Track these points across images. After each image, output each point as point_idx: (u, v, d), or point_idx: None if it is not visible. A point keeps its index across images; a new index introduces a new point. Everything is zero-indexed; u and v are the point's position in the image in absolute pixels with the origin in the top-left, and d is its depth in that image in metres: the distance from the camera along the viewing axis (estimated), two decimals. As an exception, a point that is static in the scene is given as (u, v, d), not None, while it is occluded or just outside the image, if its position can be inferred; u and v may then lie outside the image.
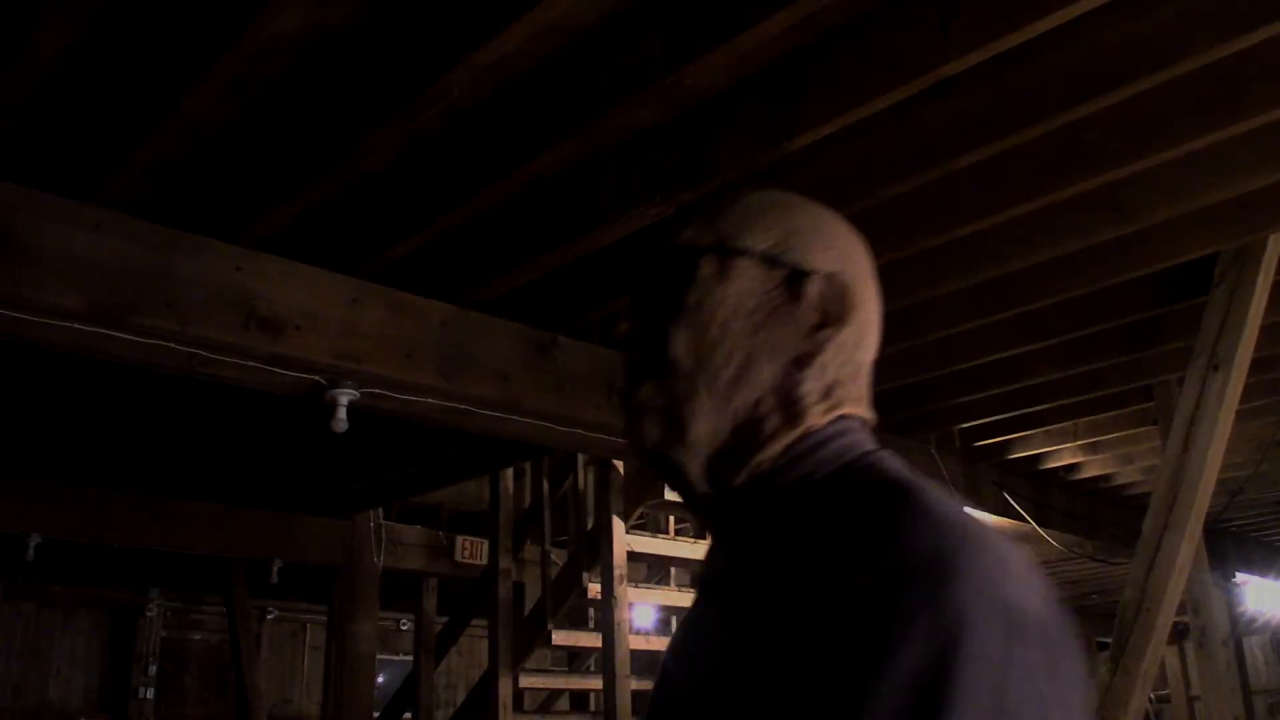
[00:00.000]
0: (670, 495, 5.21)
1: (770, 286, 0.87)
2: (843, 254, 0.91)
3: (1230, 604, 7.07)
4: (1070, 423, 5.28)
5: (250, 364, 3.05)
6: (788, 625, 0.73)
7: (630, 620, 5.62)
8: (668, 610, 6.69)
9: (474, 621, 7.21)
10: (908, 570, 0.67)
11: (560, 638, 6.06)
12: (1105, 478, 6.32)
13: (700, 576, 0.92)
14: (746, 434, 0.84)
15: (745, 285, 0.87)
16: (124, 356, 2.95)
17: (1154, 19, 2.23)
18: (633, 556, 5.66)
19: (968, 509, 0.79)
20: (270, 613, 10.22)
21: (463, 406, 3.46)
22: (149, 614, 9.76)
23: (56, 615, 9.45)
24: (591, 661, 7.03)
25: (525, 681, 6.07)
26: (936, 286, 3.41)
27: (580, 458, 5.89)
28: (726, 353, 0.85)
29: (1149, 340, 4.08)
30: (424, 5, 2.17)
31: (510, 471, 6.31)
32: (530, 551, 6.66)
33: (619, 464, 5.52)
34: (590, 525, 5.84)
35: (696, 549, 6.07)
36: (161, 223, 2.84)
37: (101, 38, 2.24)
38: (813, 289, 0.87)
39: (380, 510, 6.65)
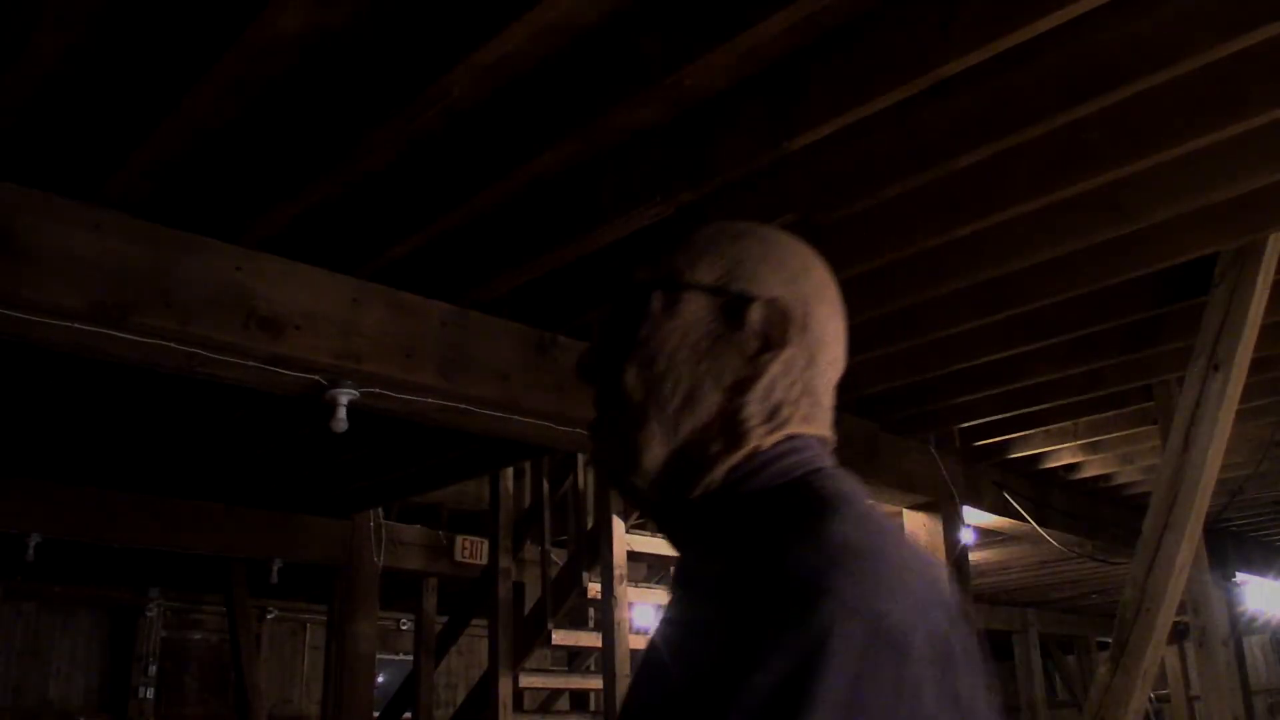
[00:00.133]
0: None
1: (714, 316, 0.91)
2: (790, 278, 0.93)
3: (1230, 604, 7.07)
4: (1070, 422, 5.29)
5: (250, 364, 3.05)
6: (697, 633, 0.80)
7: (630, 620, 5.62)
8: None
9: (474, 621, 7.21)
10: (785, 587, 0.71)
11: (560, 638, 6.07)
12: (1105, 477, 6.32)
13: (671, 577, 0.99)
14: (694, 457, 0.88)
15: (691, 317, 0.91)
16: (124, 356, 2.95)
17: (1154, 19, 2.23)
18: (633, 556, 5.66)
19: (883, 526, 0.81)
20: (270, 612, 10.22)
21: (463, 406, 3.46)
22: (149, 614, 9.76)
23: (56, 615, 9.45)
24: (591, 661, 7.03)
25: (525, 681, 6.08)
26: (936, 286, 3.41)
27: (580, 457, 5.90)
28: (673, 383, 0.89)
29: (1149, 340, 4.07)
30: (424, 5, 2.17)
31: (510, 471, 6.31)
32: (530, 551, 6.66)
33: (619, 464, 5.50)
34: (590, 525, 5.84)
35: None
36: (161, 223, 2.84)
37: (101, 38, 2.24)
38: (754, 315, 0.90)
39: (380, 510, 6.65)
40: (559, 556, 6.18)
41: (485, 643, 6.29)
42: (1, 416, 4.74)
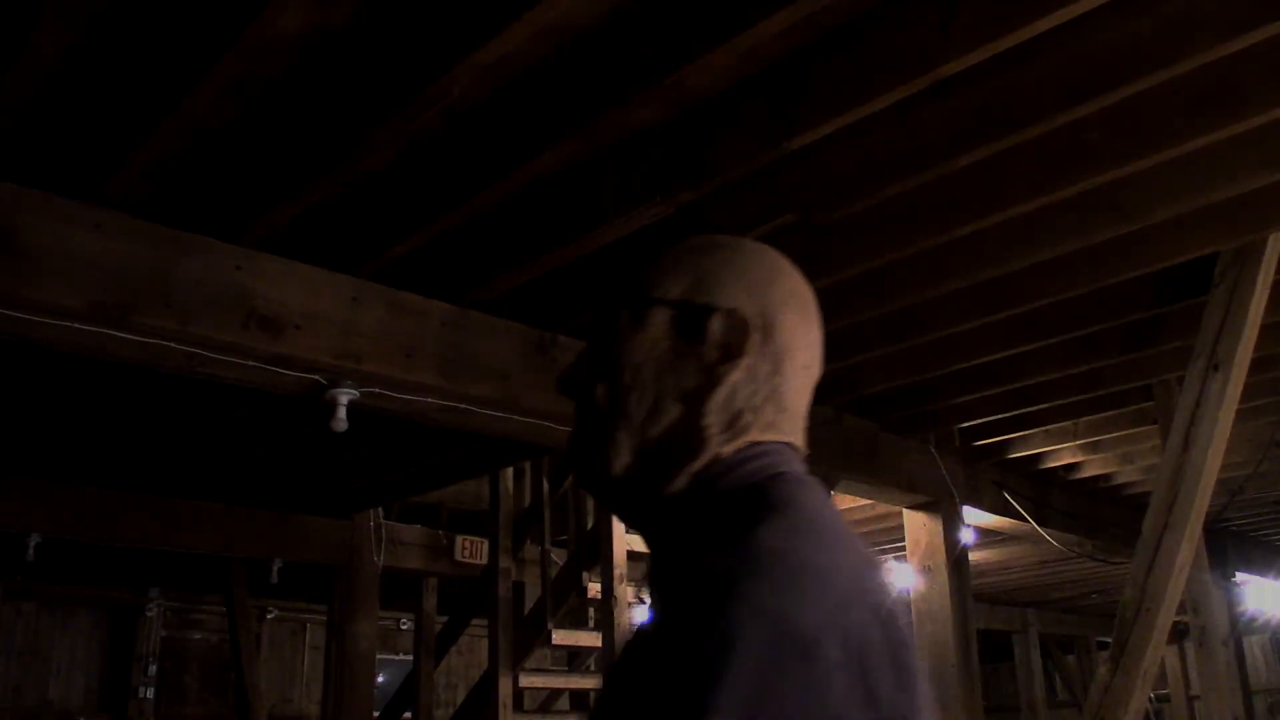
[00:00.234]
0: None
1: (677, 330, 0.94)
2: (754, 287, 0.95)
3: (1230, 603, 7.07)
4: (1070, 422, 5.29)
5: (250, 364, 3.05)
6: (643, 634, 0.85)
7: (630, 620, 5.62)
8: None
9: (474, 621, 7.22)
10: (699, 591, 0.75)
11: (560, 637, 6.07)
12: (1105, 477, 6.32)
13: None
14: (658, 466, 0.92)
15: (656, 332, 0.94)
16: (124, 356, 2.95)
17: (1154, 19, 2.23)
18: (633, 556, 5.66)
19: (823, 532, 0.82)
20: (270, 612, 10.23)
21: (463, 406, 3.46)
22: (149, 614, 9.76)
23: (56, 615, 9.45)
24: (591, 661, 7.03)
25: (525, 681, 6.08)
26: (936, 286, 3.41)
27: (580, 457, 5.88)
28: (638, 396, 0.93)
29: (1149, 340, 4.08)
30: (424, 5, 2.17)
31: (510, 471, 6.31)
32: (530, 551, 6.67)
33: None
34: (590, 525, 5.85)
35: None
36: (161, 222, 2.84)
37: (101, 38, 2.24)
38: (714, 326, 0.93)
39: (380, 510, 6.65)
40: (559, 556, 6.18)
41: (485, 643, 6.29)
42: (1, 416, 4.74)
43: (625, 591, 5.47)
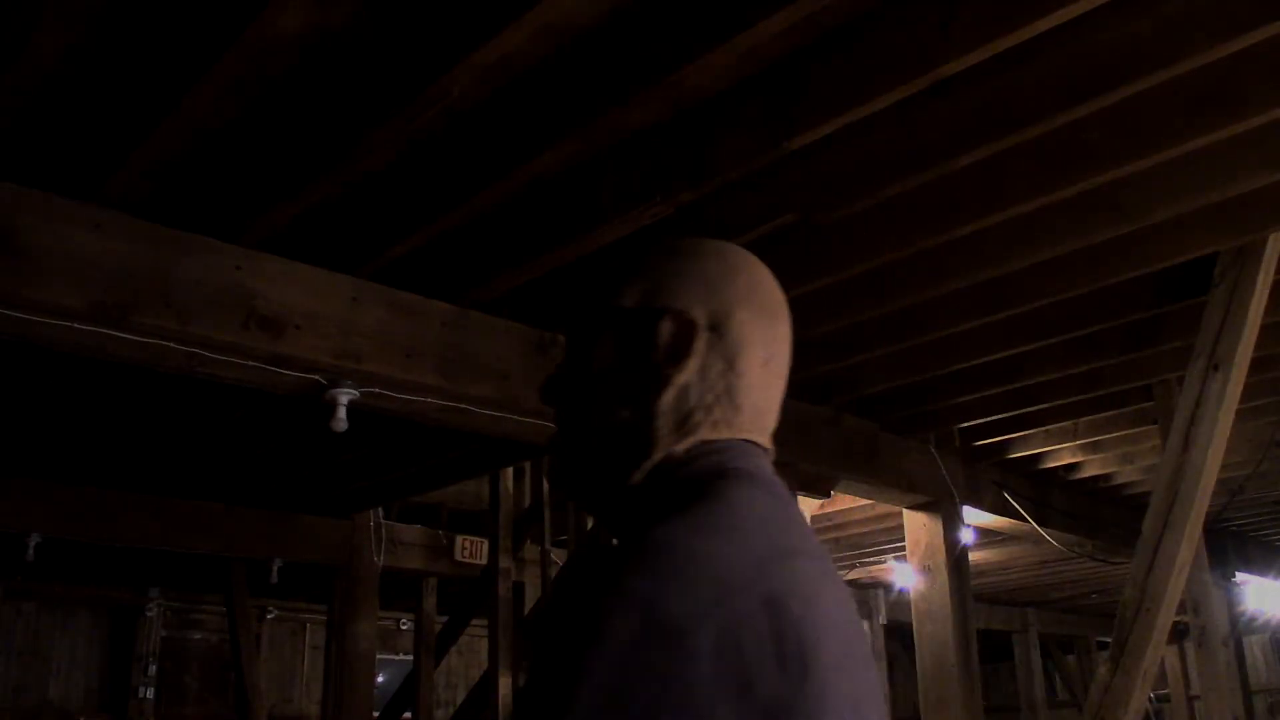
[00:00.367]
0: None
1: (631, 335, 0.97)
2: (705, 288, 0.97)
3: (1230, 603, 7.08)
4: (1070, 422, 5.29)
5: (250, 363, 3.05)
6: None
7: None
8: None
9: (474, 621, 7.21)
10: (587, 583, 0.78)
11: (560, 637, 6.05)
12: (1105, 477, 6.32)
13: None
14: (617, 466, 0.95)
15: (615, 339, 0.98)
16: (124, 356, 2.95)
17: (1154, 19, 2.23)
18: (632, 556, 5.65)
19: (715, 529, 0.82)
20: (270, 612, 10.23)
21: (462, 406, 3.46)
22: (149, 614, 9.76)
23: (56, 615, 9.45)
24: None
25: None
26: (936, 286, 3.41)
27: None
28: (598, 402, 0.97)
29: (1149, 340, 4.08)
30: (424, 5, 2.17)
31: (510, 471, 6.31)
32: (530, 551, 6.66)
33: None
34: (590, 525, 5.84)
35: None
36: (162, 222, 2.84)
37: (101, 38, 2.24)
38: (663, 329, 0.95)
39: (380, 510, 6.65)
40: (559, 556, 6.18)
41: (485, 642, 6.29)
42: (1, 416, 4.74)
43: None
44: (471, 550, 7.05)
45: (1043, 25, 2.10)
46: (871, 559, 8.81)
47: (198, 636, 10.19)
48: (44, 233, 2.65)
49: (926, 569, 5.09)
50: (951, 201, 2.92)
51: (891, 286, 3.45)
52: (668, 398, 0.93)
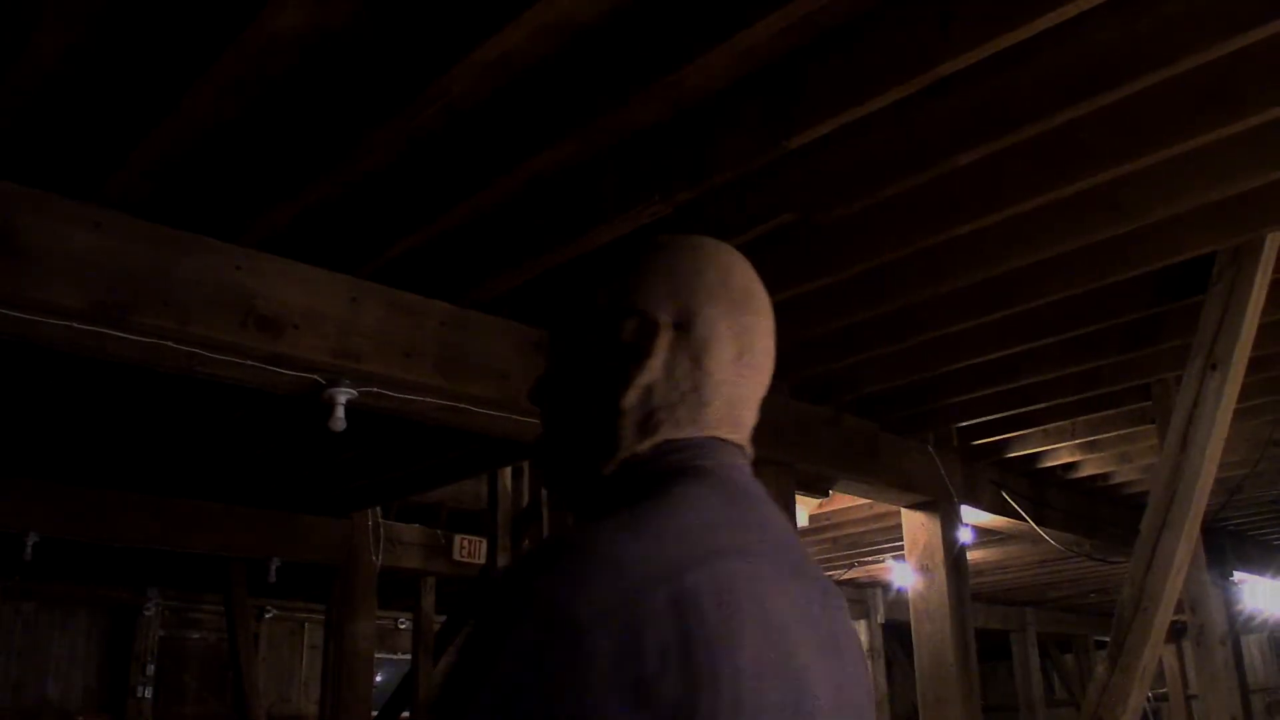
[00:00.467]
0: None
1: (601, 337, 0.98)
2: (671, 286, 0.97)
3: (1228, 603, 7.08)
4: (1068, 421, 5.29)
5: (249, 363, 3.05)
6: None
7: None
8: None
9: (472, 620, 7.20)
10: (497, 582, 0.80)
11: (559, 636, 6.06)
12: (1103, 476, 6.33)
13: None
14: (588, 466, 0.96)
15: (587, 341, 0.99)
16: (124, 356, 2.95)
17: (1152, 18, 2.23)
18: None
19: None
20: (268, 612, 10.23)
21: (462, 405, 3.46)
22: (147, 613, 9.76)
23: (55, 614, 9.45)
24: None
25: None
26: (936, 286, 3.42)
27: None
28: (571, 402, 0.98)
29: (1147, 339, 4.08)
30: (424, 5, 2.18)
31: (509, 470, 6.31)
32: (529, 550, 6.66)
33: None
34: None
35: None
36: (161, 222, 2.84)
37: (101, 38, 2.24)
38: (627, 329, 0.96)
39: (379, 509, 6.65)
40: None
41: (484, 642, 6.27)
42: (1, 416, 4.74)
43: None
44: (470, 550, 7.05)
45: (1042, 24, 2.10)
46: (870, 558, 8.82)
47: (196, 636, 10.19)
48: (44, 233, 2.65)
49: (925, 568, 5.09)
50: (950, 201, 2.92)
51: (891, 286, 3.45)
52: (631, 397, 0.93)
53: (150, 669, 9.70)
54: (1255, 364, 3.82)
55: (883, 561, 8.79)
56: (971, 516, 5.34)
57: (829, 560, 8.84)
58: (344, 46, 2.27)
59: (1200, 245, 3.28)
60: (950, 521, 5.10)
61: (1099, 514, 6.45)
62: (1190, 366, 3.61)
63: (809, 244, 3.21)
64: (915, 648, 5.08)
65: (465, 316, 3.40)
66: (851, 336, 3.93)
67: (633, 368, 0.94)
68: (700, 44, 2.18)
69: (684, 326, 0.95)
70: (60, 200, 2.69)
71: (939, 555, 5.03)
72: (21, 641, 9.19)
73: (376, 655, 6.87)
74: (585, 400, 0.97)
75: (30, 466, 5.47)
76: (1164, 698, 12.34)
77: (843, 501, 6.58)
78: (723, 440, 0.95)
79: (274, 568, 6.65)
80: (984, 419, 5.01)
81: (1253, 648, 12.97)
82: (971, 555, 5.62)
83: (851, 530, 7.79)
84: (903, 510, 5.26)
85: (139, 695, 9.56)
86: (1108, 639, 3.66)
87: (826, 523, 7.56)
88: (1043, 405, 4.80)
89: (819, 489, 4.87)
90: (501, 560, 6.01)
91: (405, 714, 7.16)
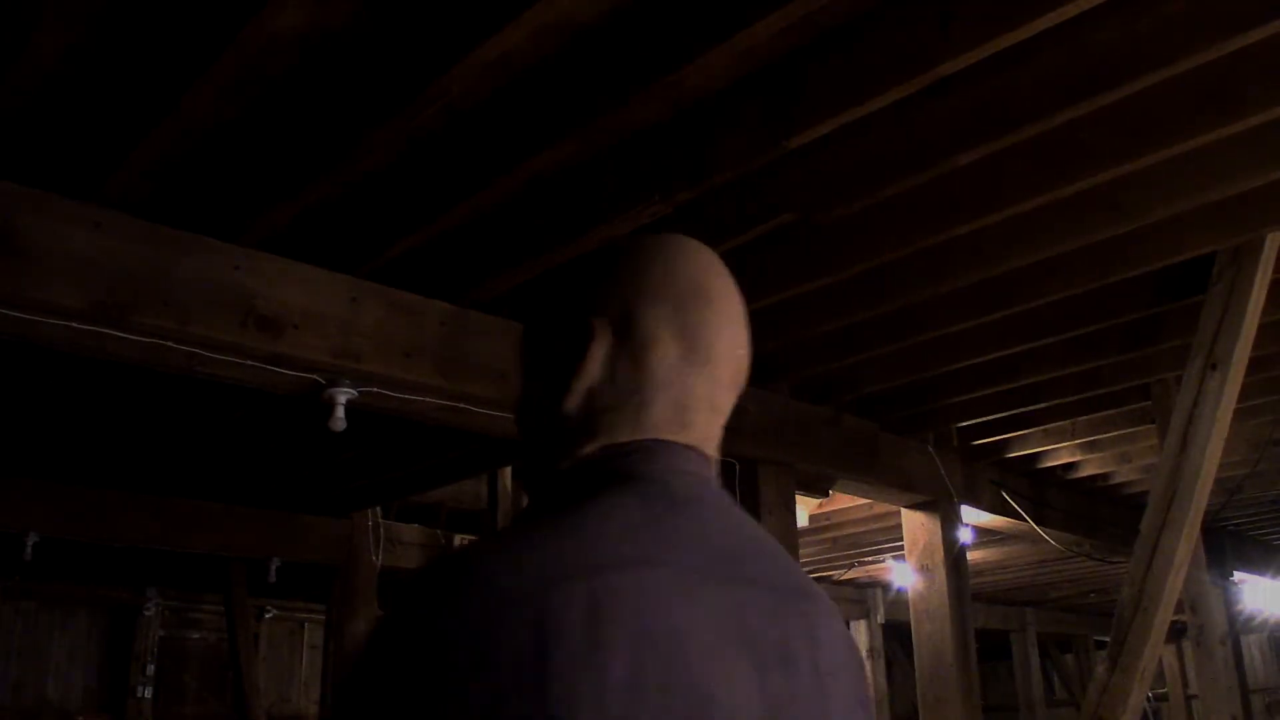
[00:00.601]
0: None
1: (547, 343, 0.99)
2: (613, 289, 0.96)
3: (1228, 603, 7.07)
4: (1068, 421, 5.29)
5: (249, 363, 3.05)
6: None
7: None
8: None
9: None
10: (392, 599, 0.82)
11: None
12: (1103, 476, 6.33)
13: None
14: (544, 468, 0.97)
15: (538, 348, 1.01)
16: (124, 356, 2.95)
17: (1152, 18, 2.23)
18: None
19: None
20: (268, 612, 10.22)
21: (462, 405, 3.46)
22: (147, 613, 9.75)
23: (55, 614, 9.44)
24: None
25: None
26: (936, 286, 3.42)
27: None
28: (530, 404, 1.01)
29: (1147, 339, 4.08)
30: (424, 5, 2.18)
31: (509, 470, 6.31)
32: (529, 550, 6.65)
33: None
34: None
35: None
36: (161, 222, 2.84)
37: (101, 38, 2.24)
38: (568, 334, 0.96)
39: (379, 509, 6.65)
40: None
41: (484, 642, 6.28)
42: (1, 416, 4.74)
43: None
44: (470, 549, 7.03)
45: (1042, 24, 2.10)
46: (870, 558, 8.82)
47: (196, 636, 10.18)
48: (44, 233, 2.65)
49: (925, 568, 5.09)
50: (950, 201, 2.92)
51: (891, 286, 3.45)
52: (571, 403, 0.93)
53: (150, 669, 9.69)
54: (1255, 364, 3.82)
55: (883, 561, 8.79)
56: (971, 516, 5.34)
57: (829, 560, 8.84)
58: (344, 46, 2.27)
59: (1200, 245, 3.28)
60: (950, 521, 5.11)
61: (1099, 514, 6.45)
62: (1190, 366, 3.61)
63: (809, 244, 3.21)
64: (915, 648, 5.08)
65: (465, 316, 3.40)
66: (851, 336, 3.93)
67: (572, 373, 0.93)
68: (700, 44, 2.18)
69: (623, 329, 0.93)
70: (60, 200, 2.69)
71: (939, 555, 5.03)
72: (21, 641, 9.19)
73: (376, 655, 6.85)
74: (537, 406, 0.98)
75: (30, 466, 5.46)
76: (1164, 698, 12.35)
77: (843, 501, 6.58)
78: (667, 443, 0.92)
79: (274, 568, 6.64)
80: (984, 419, 5.01)
81: (1253, 648, 12.97)
82: (971, 555, 5.62)
83: (851, 530, 7.79)
84: (903, 510, 5.26)
85: (139, 695, 9.55)
86: (1108, 639, 3.66)
87: (826, 523, 7.56)
88: (1043, 405, 4.81)
89: (819, 489, 4.87)
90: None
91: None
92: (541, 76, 2.41)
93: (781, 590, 0.88)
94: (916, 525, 5.17)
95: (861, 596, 10.63)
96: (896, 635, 11.10)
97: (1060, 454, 5.81)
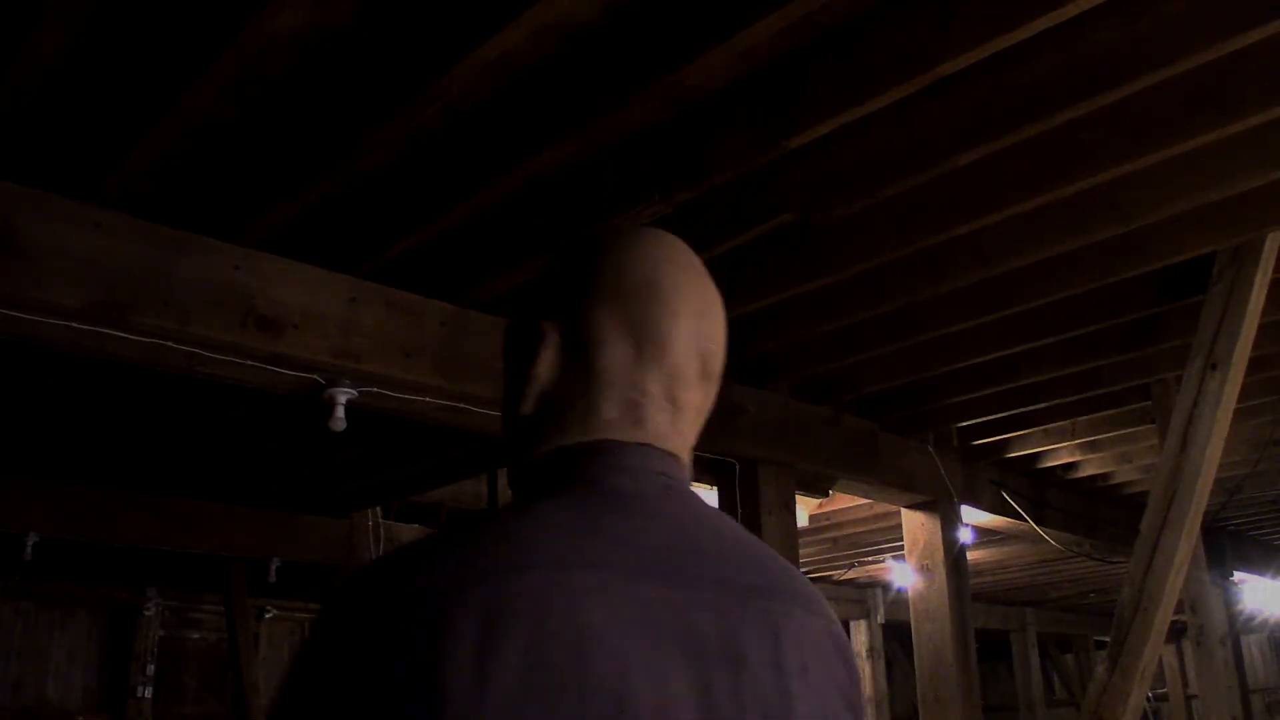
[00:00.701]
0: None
1: (507, 348, 1.00)
2: (560, 290, 0.97)
3: (1228, 602, 7.08)
4: (1068, 421, 5.29)
5: (249, 363, 3.05)
6: None
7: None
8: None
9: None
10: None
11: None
12: (1103, 476, 6.33)
13: None
14: (514, 464, 0.98)
15: (508, 349, 1.00)
16: (124, 356, 2.95)
17: (1152, 18, 2.24)
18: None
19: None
20: (269, 612, 10.21)
21: (461, 405, 3.46)
22: (147, 613, 9.74)
23: (55, 614, 9.44)
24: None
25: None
26: (935, 286, 3.42)
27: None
28: (503, 404, 1.00)
29: (1147, 339, 4.08)
30: (424, 5, 2.18)
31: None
32: (529, 550, 6.65)
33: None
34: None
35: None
36: (161, 222, 2.84)
37: (101, 38, 2.24)
38: (521, 339, 0.97)
39: (379, 509, 6.65)
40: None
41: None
42: (1, 416, 4.74)
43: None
44: (470, 549, 7.03)
45: (1042, 24, 2.10)
46: (870, 558, 8.82)
47: (196, 636, 10.18)
48: (44, 232, 2.65)
49: (925, 568, 5.09)
50: (950, 201, 2.92)
51: (891, 286, 3.45)
52: (526, 405, 0.94)
53: (150, 669, 9.69)
54: (1255, 364, 3.82)
55: (883, 561, 8.79)
56: (971, 516, 5.34)
57: (829, 560, 8.84)
58: (344, 46, 2.27)
59: (1200, 245, 3.28)
60: (950, 521, 5.11)
61: (1099, 514, 6.45)
62: (1190, 366, 3.61)
63: (809, 244, 3.22)
64: (915, 648, 5.08)
65: (465, 316, 3.40)
66: (851, 336, 3.93)
67: (522, 378, 0.94)
68: (700, 44, 2.18)
69: (570, 330, 0.93)
70: (60, 200, 2.69)
71: (939, 555, 5.03)
72: (21, 641, 9.18)
73: (376, 655, 6.85)
74: (504, 409, 0.99)
75: (30, 466, 5.47)
76: (1164, 698, 12.35)
77: (843, 501, 6.58)
78: (617, 443, 0.91)
79: (274, 568, 6.64)
80: (984, 419, 5.01)
81: (1253, 648, 12.98)
82: (971, 555, 5.62)
83: (851, 530, 7.79)
84: (903, 510, 5.26)
85: (139, 695, 9.55)
86: (1108, 639, 3.66)
87: (826, 523, 7.56)
88: (1043, 405, 4.81)
89: (819, 489, 4.87)
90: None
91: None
92: (541, 76, 2.41)
93: (735, 588, 0.85)
94: (916, 525, 5.17)
95: (861, 596, 10.63)
96: (896, 635, 11.10)
97: (1060, 454, 5.81)
